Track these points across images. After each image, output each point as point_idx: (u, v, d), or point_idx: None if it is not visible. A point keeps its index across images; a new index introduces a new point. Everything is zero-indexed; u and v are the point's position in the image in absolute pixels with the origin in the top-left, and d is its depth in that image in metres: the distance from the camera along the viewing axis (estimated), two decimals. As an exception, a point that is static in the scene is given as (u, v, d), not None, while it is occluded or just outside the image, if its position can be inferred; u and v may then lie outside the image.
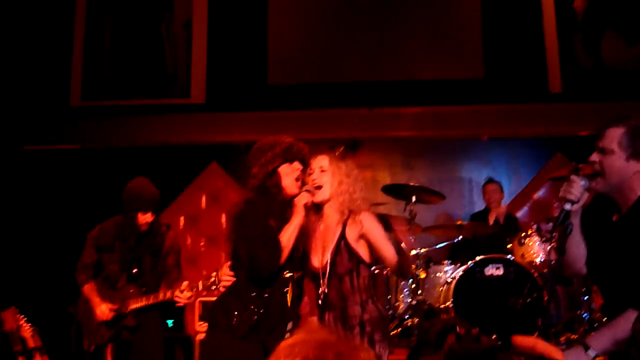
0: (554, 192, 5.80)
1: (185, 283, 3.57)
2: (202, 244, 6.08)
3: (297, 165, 2.94)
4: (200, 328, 4.96)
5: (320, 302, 2.84)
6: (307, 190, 2.87)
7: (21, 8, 6.46)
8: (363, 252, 2.87)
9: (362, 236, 2.84)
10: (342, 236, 2.84)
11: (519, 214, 5.94)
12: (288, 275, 2.85)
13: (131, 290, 3.90)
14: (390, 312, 4.97)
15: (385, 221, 4.97)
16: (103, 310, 3.87)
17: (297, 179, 2.92)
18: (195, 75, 6.54)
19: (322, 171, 2.90)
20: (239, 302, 2.81)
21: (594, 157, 2.33)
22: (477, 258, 4.79)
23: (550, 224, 4.71)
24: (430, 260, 5.18)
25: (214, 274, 3.20)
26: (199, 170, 6.28)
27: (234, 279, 2.87)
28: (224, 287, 2.91)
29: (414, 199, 5.03)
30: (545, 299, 4.58)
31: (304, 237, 2.88)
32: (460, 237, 5.14)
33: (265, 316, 2.78)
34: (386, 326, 2.88)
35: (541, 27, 6.33)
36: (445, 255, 5.52)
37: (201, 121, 6.43)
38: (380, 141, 6.34)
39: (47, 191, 6.20)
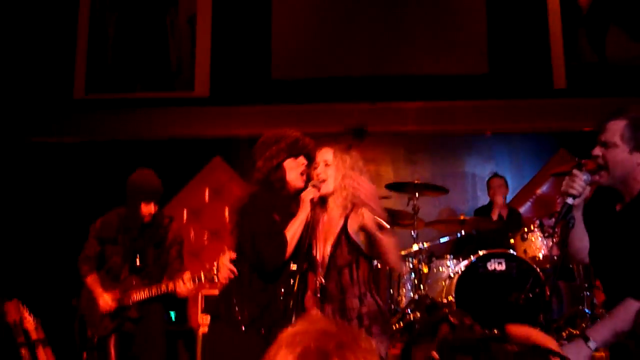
0: (557, 187, 5.77)
1: (187, 274, 3.58)
2: (205, 237, 6.09)
3: (302, 160, 2.94)
4: (203, 321, 4.97)
5: (318, 294, 2.83)
6: (313, 185, 2.87)
7: (26, 0, 6.46)
8: (364, 245, 2.86)
9: (363, 227, 2.83)
10: (344, 228, 2.83)
11: (522, 210, 5.93)
12: (294, 268, 2.85)
13: (134, 282, 3.91)
14: (392, 306, 4.97)
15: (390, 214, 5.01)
16: (106, 300, 3.89)
17: (302, 174, 2.92)
18: (199, 68, 6.54)
19: (327, 165, 2.88)
20: (242, 295, 2.82)
21: (597, 151, 2.33)
22: (480, 253, 4.78)
23: (553, 220, 4.70)
24: (433, 255, 5.17)
25: (216, 264, 3.21)
26: (203, 163, 6.28)
27: (234, 268, 2.86)
28: (223, 277, 2.90)
29: (417, 195, 5.03)
30: (548, 294, 4.58)
31: (309, 230, 2.88)
32: (463, 232, 5.14)
33: (269, 310, 2.79)
34: (385, 320, 2.87)
35: (546, 22, 6.30)
36: (448, 250, 5.51)
37: (205, 115, 6.42)
38: (383, 136, 6.33)
39: (51, 184, 6.21)
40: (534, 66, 6.25)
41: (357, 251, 2.82)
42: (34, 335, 3.71)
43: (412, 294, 4.90)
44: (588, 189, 2.32)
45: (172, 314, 5.21)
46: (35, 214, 6.09)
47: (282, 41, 6.54)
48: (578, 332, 4.37)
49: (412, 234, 5.05)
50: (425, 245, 4.99)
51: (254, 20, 6.53)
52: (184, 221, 6.02)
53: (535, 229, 4.93)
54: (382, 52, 6.43)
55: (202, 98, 6.46)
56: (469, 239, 5.31)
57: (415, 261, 4.93)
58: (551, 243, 4.82)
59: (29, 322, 3.70)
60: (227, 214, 5.89)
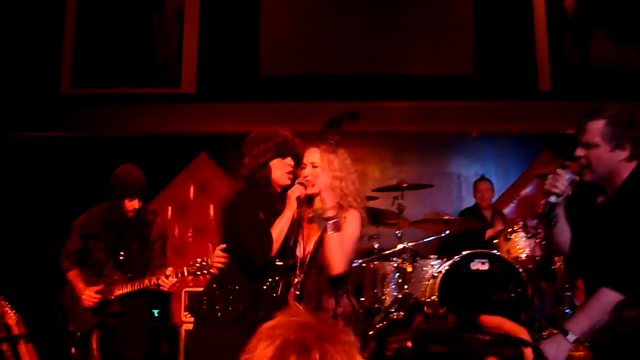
0: (540, 189, 5.83)
1: (170, 269, 3.58)
2: (189, 234, 6.07)
3: (289, 160, 2.94)
4: (186, 318, 4.96)
5: (297, 292, 2.84)
6: (300, 183, 2.87)
7: (11, -7, 6.41)
8: None
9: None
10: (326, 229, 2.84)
11: (506, 210, 5.98)
12: (279, 264, 2.86)
13: (116, 277, 3.90)
14: (376, 305, 4.99)
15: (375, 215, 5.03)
16: (89, 294, 3.87)
17: (288, 173, 2.93)
18: (186, 65, 6.51)
19: (314, 166, 2.89)
20: (225, 294, 2.82)
21: (579, 152, 2.37)
22: (463, 253, 4.81)
23: (536, 221, 4.75)
24: (417, 254, 5.21)
25: (199, 259, 3.21)
26: (188, 160, 6.26)
27: (227, 260, 2.86)
28: (216, 268, 2.89)
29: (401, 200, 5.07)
30: (530, 294, 4.63)
31: (296, 227, 2.88)
32: (448, 231, 5.17)
33: (252, 308, 2.78)
34: (359, 321, 2.88)
35: (532, 25, 6.36)
36: (433, 250, 5.55)
37: (191, 111, 6.40)
38: (370, 135, 6.35)
39: (35, 179, 6.16)
40: (520, 68, 6.30)
41: None
42: (15, 330, 3.69)
43: (396, 293, 4.92)
44: (570, 187, 2.37)
45: (155, 311, 5.19)
46: (19, 209, 6.03)
47: (270, 38, 6.53)
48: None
49: (397, 233, 5.07)
50: (410, 244, 5.02)
51: (242, 17, 6.52)
52: (169, 217, 6.00)
53: (519, 230, 4.98)
54: (370, 52, 6.45)
55: (189, 94, 6.44)
56: (454, 238, 5.34)
57: (399, 260, 4.96)
58: (534, 244, 4.87)
59: (11, 317, 3.67)
60: (212, 211, 5.89)
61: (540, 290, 5.04)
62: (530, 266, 4.84)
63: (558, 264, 4.90)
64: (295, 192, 2.84)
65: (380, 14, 6.50)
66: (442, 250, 5.52)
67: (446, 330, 1.48)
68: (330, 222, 2.73)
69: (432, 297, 4.76)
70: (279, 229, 2.80)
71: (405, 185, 5.11)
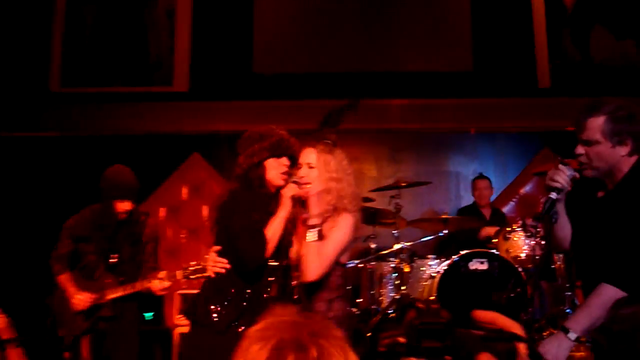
0: (540, 187, 5.85)
1: (163, 272, 3.57)
2: (182, 235, 6.07)
3: (284, 160, 2.94)
4: (180, 321, 4.96)
5: (294, 295, 2.83)
6: (294, 182, 2.86)
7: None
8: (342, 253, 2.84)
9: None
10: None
11: (506, 209, 5.99)
12: (273, 264, 2.85)
13: (108, 280, 3.89)
14: (374, 306, 5.00)
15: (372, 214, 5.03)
16: (81, 299, 3.86)
17: (283, 173, 2.92)
18: (178, 62, 6.50)
19: (310, 167, 2.86)
20: (220, 296, 2.82)
21: (580, 149, 2.38)
22: (462, 252, 4.82)
23: (535, 220, 4.78)
24: (415, 254, 5.21)
25: (193, 263, 3.20)
26: (181, 160, 6.25)
27: (227, 264, 2.85)
28: (213, 272, 2.89)
29: (398, 199, 5.07)
30: (529, 293, 4.63)
31: (291, 227, 2.87)
32: (446, 231, 5.18)
33: (247, 311, 2.78)
34: (351, 326, 2.87)
35: (530, 21, 6.38)
36: (430, 250, 5.55)
37: (184, 110, 6.39)
38: (366, 133, 6.35)
39: (24, 179, 6.14)
40: (519, 65, 6.32)
41: None
42: (4, 335, 3.67)
43: (393, 294, 4.92)
44: (570, 183, 2.38)
45: (148, 315, 5.18)
46: (8, 211, 6.01)
47: (265, 34, 6.53)
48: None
49: (394, 233, 5.07)
50: (407, 244, 5.02)
51: (235, 13, 6.51)
52: (162, 219, 5.99)
53: (518, 229, 4.99)
54: (366, 48, 6.45)
55: (181, 93, 6.43)
56: (452, 238, 5.35)
57: (396, 261, 4.96)
58: (533, 243, 4.88)
59: (0, 320, 3.65)
60: (205, 211, 5.89)
61: (540, 290, 5.05)
62: (529, 266, 4.85)
63: (558, 263, 4.92)
64: (289, 191, 2.84)
65: (376, 10, 6.50)
66: (441, 249, 5.53)
67: (439, 326, 1.49)
68: (312, 229, 2.72)
69: (431, 298, 4.76)
70: (273, 230, 2.80)
71: (403, 184, 5.11)
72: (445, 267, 4.79)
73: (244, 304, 2.79)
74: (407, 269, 4.97)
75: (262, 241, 2.76)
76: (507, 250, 4.96)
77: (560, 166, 2.39)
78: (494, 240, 5.11)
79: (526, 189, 6.12)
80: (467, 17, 6.43)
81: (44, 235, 4.33)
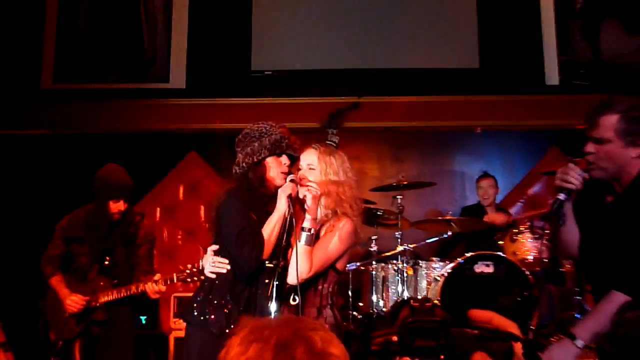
0: (549, 187, 5.84)
1: (158, 275, 3.58)
2: (179, 237, 6.07)
3: (285, 159, 2.94)
4: (176, 325, 4.96)
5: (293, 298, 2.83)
6: (292, 180, 2.86)
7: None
8: (338, 259, 2.84)
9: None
10: (317, 237, 2.82)
11: (513, 210, 5.98)
12: (270, 266, 2.85)
13: (101, 283, 3.89)
14: (376, 310, 5.00)
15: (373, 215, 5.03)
16: (75, 300, 3.86)
17: (283, 172, 2.91)
18: (175, 59, 6.51)
19: (311, 169, 2.87)
20: (217, 297, 2.82)
21: (590, 147, 2.38)
22: (467, 254, 4.81)
23: (542, 223, 4.78)
24: (418, 257, 5.21)
25: (189, 265, 3.21)
26: (177, 159, 6.26)
27: (224, 260, 2.85)
28: (212, 272, 2.88)
29: (401, 197, 5.06)
30: (537, 297, 4.63)
31: (289, 227, 2.87)
32: (450, 232, 5.17)
33: (245, 313, 2.79)
34: (339, 334, 2.87)
35: (538, 16, 6.36)
36: (434, 252, 5.55)
37: (180, 108, 6.40)
38: (369, 131, 6.35)
39: (15, 179, 6.15)
40: (526, 61, 6.30)
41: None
42: (-6, 339, 3.68)
43: (396, 298, 4.92)
44: (581, 183, 2.38)
45: (143, 318, 5.18)
46: (-2, 211, 6.03)
47: (263, 30, 6.53)
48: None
49: (397, 234, 5.07)
50: (411, 246, 5.02)
51: (233, 8, 6.51)
52: (157, 219, 6.01)
53: (525, 230, 4.98)
54: (368, 45, 6.44)
55: (178, 90, 6.44)
56: (457, 239, 5.34)
57: (399, 263, 4.96)
58: (541, 245, 4.87)
59: (-10, 325, 3.66)
60: (202, 212, 5.90)
61: (548, 294, 5.04)
62: (537, 269, 4.84)
63: (567, 266, 4.91)
64: (286, 189, 2.83)
65: (378, 5, 6.49)
66: (445, 252, 5.52)
67: (433, 324, 1.50)
68: (305, 233, 2.72)
69: (434, 302, 4.76)
70: (270, 230, 2.81)
71: (404, 182, 5.10)
72: (450, 270, 4.79)
73: (242, 305, 2.79)
74: (410, 272, 4.97)
75: (259, 242, 2.76)
76: (513, 253, 4.96)
77: (571, 165, 2.38)
78: (497, 223, 5.07)
79: (534, 189, 6.12)
80: (473, 12, 6.41)
81: (35, 237, 4.35)
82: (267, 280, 2.84)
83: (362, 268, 5.16)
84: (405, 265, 4.95)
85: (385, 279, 5.10)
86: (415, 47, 6.43)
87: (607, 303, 2.24)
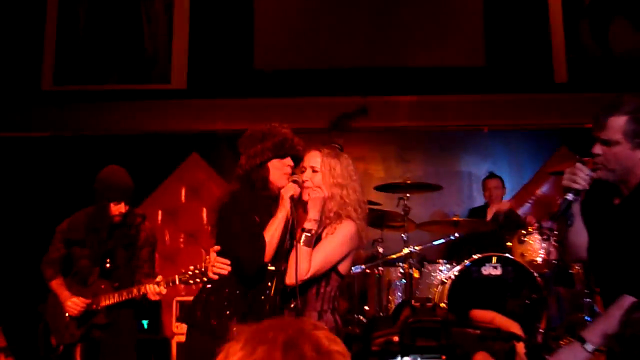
0: (557, 187, 5.83)
1: (160, 277, 3.59)
2: (181, 240, 6.09)
3: (288, 161, 2.95)
4: (178, 330, 4.97)
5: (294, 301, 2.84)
6: (294, 181, 2.87)
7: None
8: (341, 263, 2.84)
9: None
10: (319, 239, 2.84)
11: (521, 210, 5.98)
12: (272, 268, 2.87)
13: (103, 286, 3.91)
14: (382, 314, 5.00)
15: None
16: (76, 302, 3.87)
17: (287, 174, 2.93)
18: (176, 58, 6.54)
19: (314, 171, 2.88)
20: (219, 300, 2.84)
21: (598, 149, 2.38)
22: (474, 256, 4.82)
23: (551, 223, 4.77)
24: (425, 259, 5.21)
25: (192, 267, 3.22)
26: (179, 161, 6.28)
27: (226, 262, 2.87)
28: (214, 273, 2.90)
29: (407, 194, 5.07)
30: (546, 300, 4.62)
31: (292, 229, 2.88)
32: (457, 234, 5.17)
33: (248, 316, 2.80)
34: (340, 339, 2.86)
35: (546, 12, 6.37)
36: (441, 254, 5.55)
37: (182, 108, 6.42)
38: (373, 132, 6.36)
39: (15, 181, 6.17)
40: (534, 59, 6.31)
41: (331, 266, 2.81)
42: (-5, 344, 3.71)
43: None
44: (589, 183, 2.39)
45: (145, 323, 5.20)
46: (-1, 215, 6.06)
47: (266, 29, 6.54)
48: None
49: (403, 236, 5.08)
50: (417, 248, 5.02)
51: (235, 6, 6.53)
52: (159, 222, 6.02)
53: (534, 231, 4.98)
54: (373, 42, 6.45)
55: (179, 90, 6.46)
56: (463, 241, 5.34)
57: (405, 266, 4.96)
58: (550, 246, 4.87)
59: (-10, 329, 3.69)
60: (204, 214, 5.91)
61: (557, 296, 5.03)
62: (546, 270, 4.84)
63: (576, 268, 4.91)
64: (289, 191, 2.84)
65: (382, 2, 6.50)
66: (452, 253, 5.52)
67: (434, 324, 1.51)
68: (305, 234, 2.73)
69: (441, 305, 4.76)
70: (272, 232, 2.81)
71: (408, 182, 5.10)
72: (457, 273, 4.79)
73: (244, 308, 2.81)
74: (416, 275, 4.98)
75: (261, 245, 2.77)
76: (522, 254, 4.96)
77: (579, 165, 2.39)
78: (502, 211, 5.05)
79: (543, 189, 6.12)
80: (479, 8, 6.42)
81: (36, 240, 4.37)
82: (269, 284, 2.85)
83: (368, 271, 5.17)
84: (411, 267, 4.95)
85: (391, 282, 5.10)
86: (420, 45, 6.43)
87: (619, 308, 2.24)
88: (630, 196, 2.39)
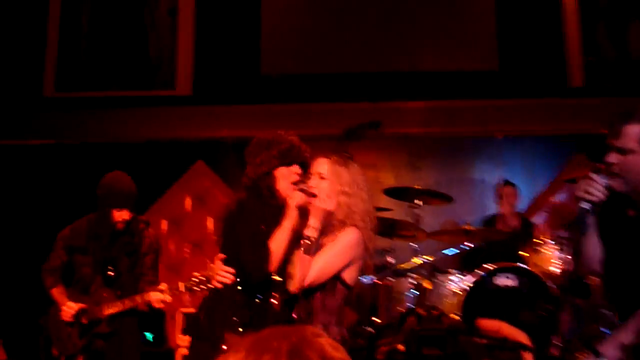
0: (573, 195, 5.82)
1: (164, 285, 3.61)
2: (186, 250, 6.11)
3: (295, 168, 2.97)
4: (182, 342, 4.99)
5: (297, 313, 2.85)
6: (301, 190, 2.87)
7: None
8: (346, 272, 2.84)
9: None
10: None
11: (536, 219, 5.97)
12: (278, 280, 2.88)
13: (105, 294, 3.92)
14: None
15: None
16: (70, 306, 3.89)
17: (294, 183, 2.94)
18: (181, 64, 6.59)
19: (321, 178, 2.87)
20: (224, 310, 2.86)
21: (613, 158, 2.39)
22: (488, 267, 4.81)
23: (566, 233, 4.76)
24: (436, 269, 5.20)
25: (197, 274, 3.24)
26: (184, 168, 6.32)
27: (230, 270, 2.89)
28: (219, 282, 2.92)
29: (418, 202, 5.07)
30: (561, 311, 4.61)
31: (298, 239, 2.90)
32: (470, 244, 5.17)
33: (253, 327, 2.81)
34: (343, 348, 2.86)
35: (561, 14, 6.37)
36: (453, 264, 5.54)
37: (187, 115, 6.46)
38: (384, 138, 6.36)
39: (17, 189, 6.22)
40: (548, 63, 6.32)
41: (336, 276, 2.81)
42: (-5, 356, 3.73)
43: (413, 312, 4.93)
44: (606, 193, 2.38)
45: (149, 335, 5.22)
46: (1, 223, 6.09)
47: (274, 33, 6.58)
48: (594, 354, 4.42)
49: (413, 246, 5.08)
50: (428, 258, 5.02)
51: (241, 11, 6.58)
52: (164, 232, 6.04)
53: (549, 241, 4.97)
54: (383, 47, 6.48)
55: (184, 97, 6.50)
56: (476, 251, 5.34)
57: (416, 276, 4.96)
58: (565, 256, 4.86)
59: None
60: (210, 223, 5.93)
61: (574, 308, 5.02)
62: (561, 281, 4.83)
63: (594, 278, 4.89)
64: (295, 200, 2.85)
65: (393, 6, 6.53)
66: (464, 263, 5.51)
67: (440, 333, 1.53)
68: (305, 241, 2.72)
69: (451, 315, 4.76)
70: (278, 242, 2.82)
71: (417, 187, 5.10)
72: (470, 283, 4.78)
73: (249, 318, 2.83)
74: (428, 286, 4.97)
75: (265, 255, 2.79)
76: (536, 264, 4.94)
77: (593, 175, 2.39)
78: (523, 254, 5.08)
79: (558, 197, 6.10)
80: (491, 11, 6.44)
81: (38, 249, 4.40)
82: (273, 294, 2.87)
83: (378, 282, 5.17)
84: (422, 278, 4.95)
85: (401, 293, 5.10)
86: (431, 49, 6.46)
87: (636, 321, 2.24)
88: None
